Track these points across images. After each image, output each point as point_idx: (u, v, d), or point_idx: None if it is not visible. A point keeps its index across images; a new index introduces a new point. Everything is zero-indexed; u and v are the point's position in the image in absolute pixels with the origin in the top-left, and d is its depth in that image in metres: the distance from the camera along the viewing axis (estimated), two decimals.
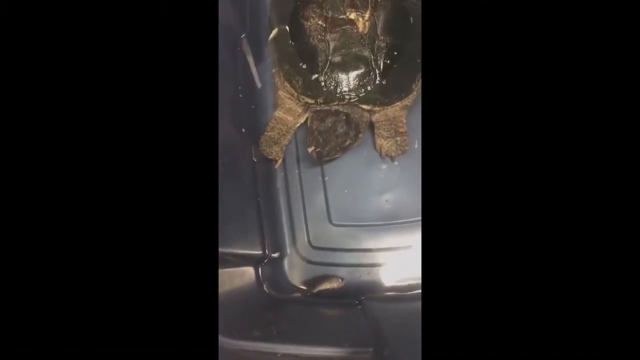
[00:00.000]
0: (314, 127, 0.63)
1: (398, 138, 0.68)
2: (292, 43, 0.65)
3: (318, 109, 0.64)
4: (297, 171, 0.72)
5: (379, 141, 0.69)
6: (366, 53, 0.63)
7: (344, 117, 0.63)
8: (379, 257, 0.70)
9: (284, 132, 0.69)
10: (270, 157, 0.70)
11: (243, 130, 0.72)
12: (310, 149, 0.63)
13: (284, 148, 0.70)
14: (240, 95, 0.73)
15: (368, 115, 0.66)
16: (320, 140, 0.62)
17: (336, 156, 0.66)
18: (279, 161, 0.71)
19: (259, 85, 0.72)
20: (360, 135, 0.65)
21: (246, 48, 0.71)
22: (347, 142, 0.64)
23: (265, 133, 0.69)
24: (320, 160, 0.65)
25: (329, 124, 0.63)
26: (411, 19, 0.66)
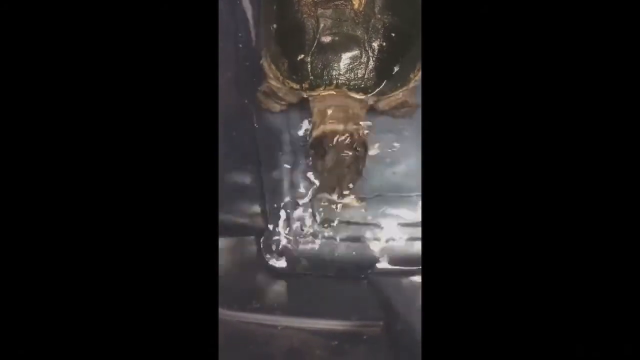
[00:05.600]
0: (319, 167, 0.58)
1: (406, 108, 0.64)
2: (280, 20, 0.59)
3: (312, 140, 0.59)
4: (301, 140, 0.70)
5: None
6: (359, 33, 0.57)
7: (345, 143, 0.57)
8: (386, 230, 0.69)
9: (280, 99, 0.65)
10: (272, 110, 0.68)
11: (246, 101, 0.70)
12: (327, 196, 0.61)
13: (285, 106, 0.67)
14: (240, 60, 0.70)
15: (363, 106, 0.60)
16: (335, 180, 0.58)
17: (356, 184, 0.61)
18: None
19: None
20: (367, 144, 0.60)
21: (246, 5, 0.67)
22: (361, 165, 0.59)
23: (259, 90, 0.66)
24: (344, 197, 0.62)
25: (335, 158, 0.57)
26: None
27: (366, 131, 0.60)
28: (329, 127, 0.58)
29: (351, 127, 0.58)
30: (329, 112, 0.59)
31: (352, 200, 0.64)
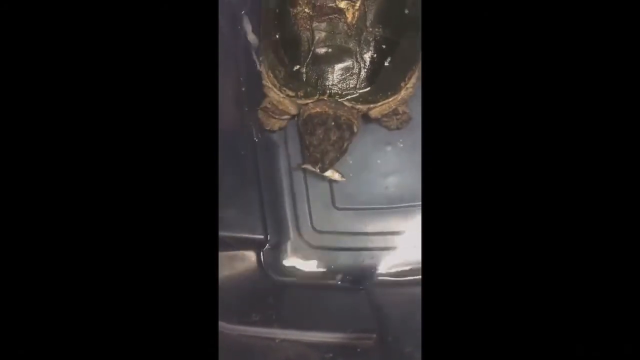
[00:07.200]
0: (307, 142, 0.62)
1: (398, 116, 0.66)
2: (278, 31, 0.62)
3: (304, 117, 0.62)
4: (300, 153, 0.71)
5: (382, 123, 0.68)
6: (351, 45, 0.60)
7: (333, 123, 0.61)
8: (383, 241, 0.69)
9: (281, 113, 0.67)
10: (273, 129, 0.70)
11: (250, 123, 0.71)
12: (309, 167, 0.63)
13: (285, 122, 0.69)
14: (241, 79, 0.72)
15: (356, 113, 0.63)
16: (318, 155, 0.61)
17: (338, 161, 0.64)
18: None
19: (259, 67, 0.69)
20: (355, 129, 0.63)
21: (247, 26, 0.69)
22: (345, 144, 0.62)
23: (260, 107, 0.68)
24: (324, 172, 0.63)
25: (321, 135, 0.61)
26: (406, 10, 0.62)
27: (357, 115, 0.63)
28: (320, 109, 0.61)
29: (341, 112, 0.61)
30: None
31: (333, 173, 0.65)
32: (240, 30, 0.70)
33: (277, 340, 0.56)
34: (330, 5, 0.60)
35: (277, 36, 0.62)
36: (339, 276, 0.69)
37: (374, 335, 0.55)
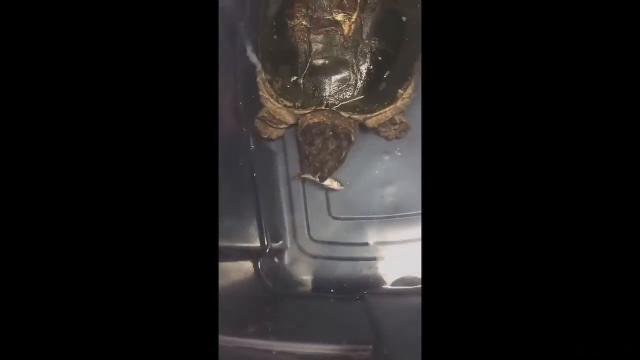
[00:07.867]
0: (306, 152, 0.63)
1: (396, 126, 0.67)
2: (276, 43, 0.64)
3: (302, 128, 0.64)
4: (297, 162, 0.72)
5: (381, 133, 0.69)
6: (348, 57, 0.61)
7: (331, 132, 0.62)
8: (380, 251, 0.69)
9: (278, 123, 0.68)
10: (271, 137, 0.70)
11: (244, 129, 0.72)
12: (309, 177, 0.64)
13: (283, 131, 0.70)
14: (238, 86, 0.73)
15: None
16: (317, 164, 0.62)
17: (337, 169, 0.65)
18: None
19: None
20: (353, 139, 0.64)
21: (244, 36, 0.70)
22: (343, 154, 0.63)
23: (257, 117, 0.69)
24: (324, 180, 0.64)
25: (319, 145, 0.62)
26: (404, 18, 0.63)
27: (354, 124, 0.64)
28: (318, 119, 0.63)
29: (338, 121, 0.62)
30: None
31: (331, 182, 0.67)
32: (238, 40, 0.71)
33: (274, 353, 0.56)
34: (327, 17, 0.61)
35: (275, 48, 0.64)
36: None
37: (370, 347, 0.55)
